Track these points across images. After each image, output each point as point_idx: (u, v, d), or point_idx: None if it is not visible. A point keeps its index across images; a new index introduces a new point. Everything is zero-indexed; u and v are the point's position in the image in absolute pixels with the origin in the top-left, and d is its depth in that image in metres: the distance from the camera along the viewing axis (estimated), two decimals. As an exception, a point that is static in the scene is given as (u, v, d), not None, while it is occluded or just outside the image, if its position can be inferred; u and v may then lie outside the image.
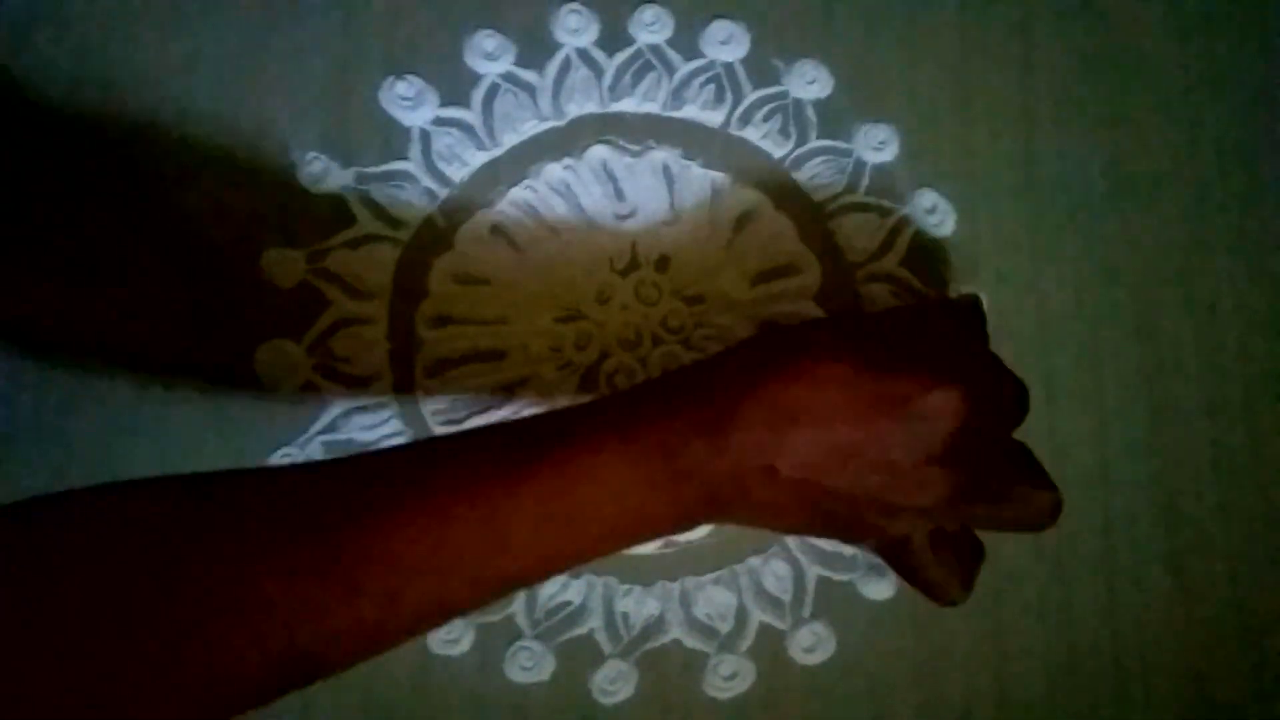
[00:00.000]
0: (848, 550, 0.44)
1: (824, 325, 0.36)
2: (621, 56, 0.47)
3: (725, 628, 0.43)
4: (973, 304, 0.38)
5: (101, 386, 0.43)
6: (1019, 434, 0.32)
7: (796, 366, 0.31)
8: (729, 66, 0.47)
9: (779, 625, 0.43)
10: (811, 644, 0.43)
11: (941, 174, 0.47)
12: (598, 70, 0.47)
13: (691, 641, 0.43)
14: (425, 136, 0.46)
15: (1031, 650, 0.44)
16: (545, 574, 0.31)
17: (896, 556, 0.33)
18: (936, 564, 0.32)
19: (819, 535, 0.34)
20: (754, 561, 0.44)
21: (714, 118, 0.47)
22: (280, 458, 0.43)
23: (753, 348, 0.33)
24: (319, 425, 0.43)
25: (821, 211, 0.47)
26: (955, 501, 0.30)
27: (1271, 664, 0.44)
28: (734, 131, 0.47)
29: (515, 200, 0.46)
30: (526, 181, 0.46)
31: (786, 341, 0.33)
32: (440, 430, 0.44)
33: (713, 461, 0.30)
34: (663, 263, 0.46)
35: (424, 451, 0.31)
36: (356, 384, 0.44)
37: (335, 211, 0.45)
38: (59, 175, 0.45)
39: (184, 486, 0.28)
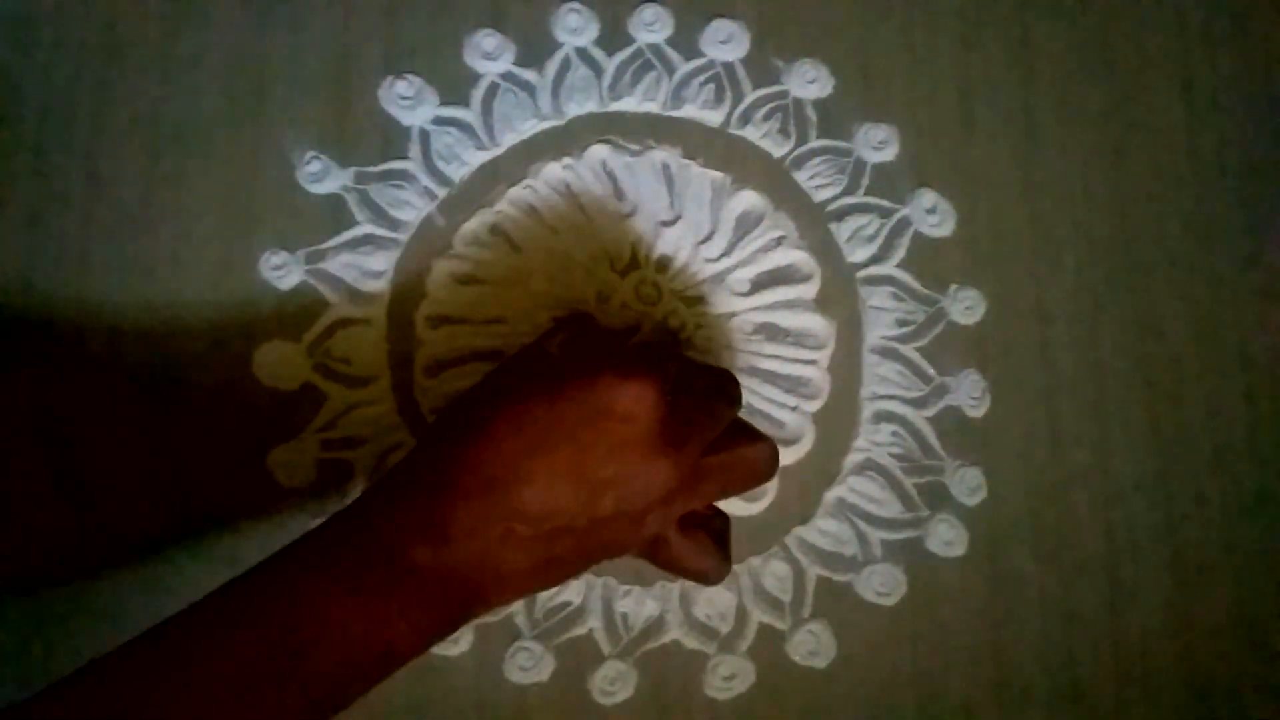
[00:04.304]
0: (848, 550, 0.44)
1: (492, 375, 0.36)
2: (621, 56, 0.47)
3: (725, 628, 0.43)
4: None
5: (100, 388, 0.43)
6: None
7: (490, 425, 0.31)
8: (729, 66, 0.47)
9: (779, 625, 0.43)
10: (811, 645, 0.43)
11: (942, 174, 0.47)
12: (597, 69, 0.47)
13: (691, 642, 0.43)
14: (424, 136, 0.46)
15: (1031, 650, 0.44)
16: None
17: (656, 556, 0.34)
18: (696, 551, 0.34)
19: (586, 568, 0.33)
20: (754, 561, 0.44)
21: (714, 117, 0.47)
22: (280, 457, 0.43)
23: (442, 427, 0.34)
24: (318, 424, 0.43)
25: (821, 212, 0.47)
26: (688, 483, 0.31)
27: (1271, 664, 0.44)
28: (734, 131, 0.47)
29: (514, 200, 0.46)
30: (526, 181, 0.46)
31: (469, 407, 0.33)
32: (440, 430, 0.44)
33: (442, 553, 0.29)
34: (663, 263, 0.46)
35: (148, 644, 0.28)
36: (356, 384, 0.44)
37: (334, 211, 0.45)
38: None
39: None
